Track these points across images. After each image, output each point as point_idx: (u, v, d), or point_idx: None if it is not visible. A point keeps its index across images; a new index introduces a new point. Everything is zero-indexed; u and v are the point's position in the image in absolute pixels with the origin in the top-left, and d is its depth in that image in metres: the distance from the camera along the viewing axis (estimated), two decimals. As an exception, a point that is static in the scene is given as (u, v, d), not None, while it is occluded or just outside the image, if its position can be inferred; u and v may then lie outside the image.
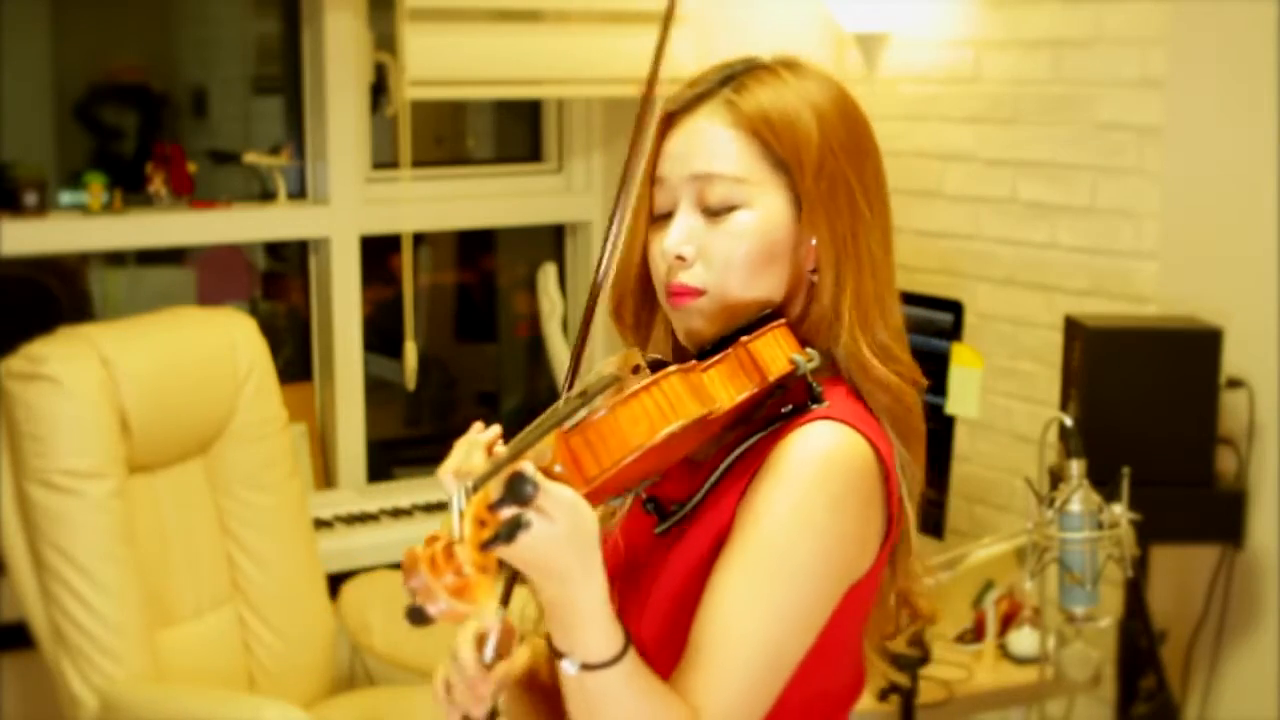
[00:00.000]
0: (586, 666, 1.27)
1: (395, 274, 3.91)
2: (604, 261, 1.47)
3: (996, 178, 3.79)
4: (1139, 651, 3.04)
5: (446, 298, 4.46)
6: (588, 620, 1.26)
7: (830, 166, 1.45)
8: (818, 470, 1.38)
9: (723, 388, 1.39)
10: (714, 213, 1.46)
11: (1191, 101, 3.34)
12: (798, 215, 1.46)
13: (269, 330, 3.38)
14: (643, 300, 1.55)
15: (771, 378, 1.41)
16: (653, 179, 1.50)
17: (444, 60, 3.71)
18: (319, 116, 3.79)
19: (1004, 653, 3.02)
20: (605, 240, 1.47)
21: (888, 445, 1.45)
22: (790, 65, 1.50)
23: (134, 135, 3.91)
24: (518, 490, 1.19)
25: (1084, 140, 3.56)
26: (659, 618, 1.42)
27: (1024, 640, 3.01)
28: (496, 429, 1.37)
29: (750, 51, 1.53)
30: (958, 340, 3.17)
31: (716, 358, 1.41)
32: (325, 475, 3.90)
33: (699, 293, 1.46)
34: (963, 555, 3.07)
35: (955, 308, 3.21)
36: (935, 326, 3.23)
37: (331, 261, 3.82)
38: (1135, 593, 2.95)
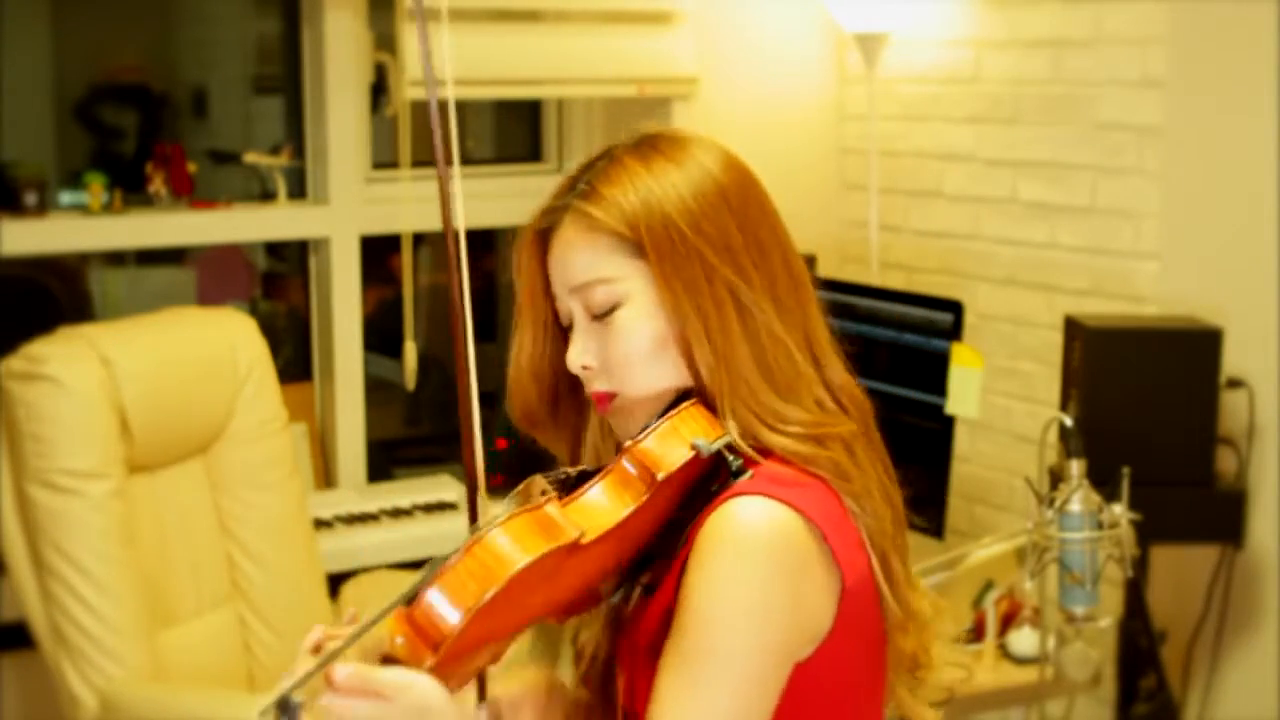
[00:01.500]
0: None
1: (395, 274, 3.91)
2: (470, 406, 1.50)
3: (996, 178, 3.79)
4: (1139, 651, 3.05)
5: (446, 298, 4.44)
6: None
7: (675, 240, 1.44)
8: (734, 553, 1.35)
9: (609, 504, 1.37)
10: (600, 317, 1.47)
11: (1191, 101, 3.34)
12: (663, 289, 1.46)
13: (269, 330, 3.38)
14: (557, 405, 1.57)
15: (663, 474, 1.38)
16: (549, 294, 1.52)
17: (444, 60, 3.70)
18: (319, 116, 3.79)
19: (1004, 653, 3.02)
20: (461, 372, 1.52)
21: (827, 498, 1.42)
22: (639, 148, 1.50)
23: (134, 135, 3.91)
24: (284, 711, 1.24)
25: (1084, 140, 3.56)
26: (644, 684, 1.42)
27: (1024, 640, 3.01)
28: (319, 631, 1.40)
29: (608, 144, 1.53)
30: (958, 340, 3.17)
31: (602, 473, 1.40)
32: (325, 475, 3.90)
33: (611, 396, 1.48)
34: (963, 555, 3.07)
35: (955, 308, 3.22)
36: (935, 326, 3.24)
37: (331, 261, 3.82)
38: (1135, 593, 2.95)
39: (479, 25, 3.86)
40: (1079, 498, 2.65)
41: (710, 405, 1.45)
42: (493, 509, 1.36)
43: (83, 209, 3.55)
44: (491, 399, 4.56)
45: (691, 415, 1.43)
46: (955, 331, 3.19)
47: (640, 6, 3.91)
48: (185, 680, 3.04)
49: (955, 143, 3.89)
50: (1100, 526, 2.64)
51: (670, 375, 1.47)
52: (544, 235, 1.52)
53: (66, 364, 2.94)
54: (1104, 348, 3.10)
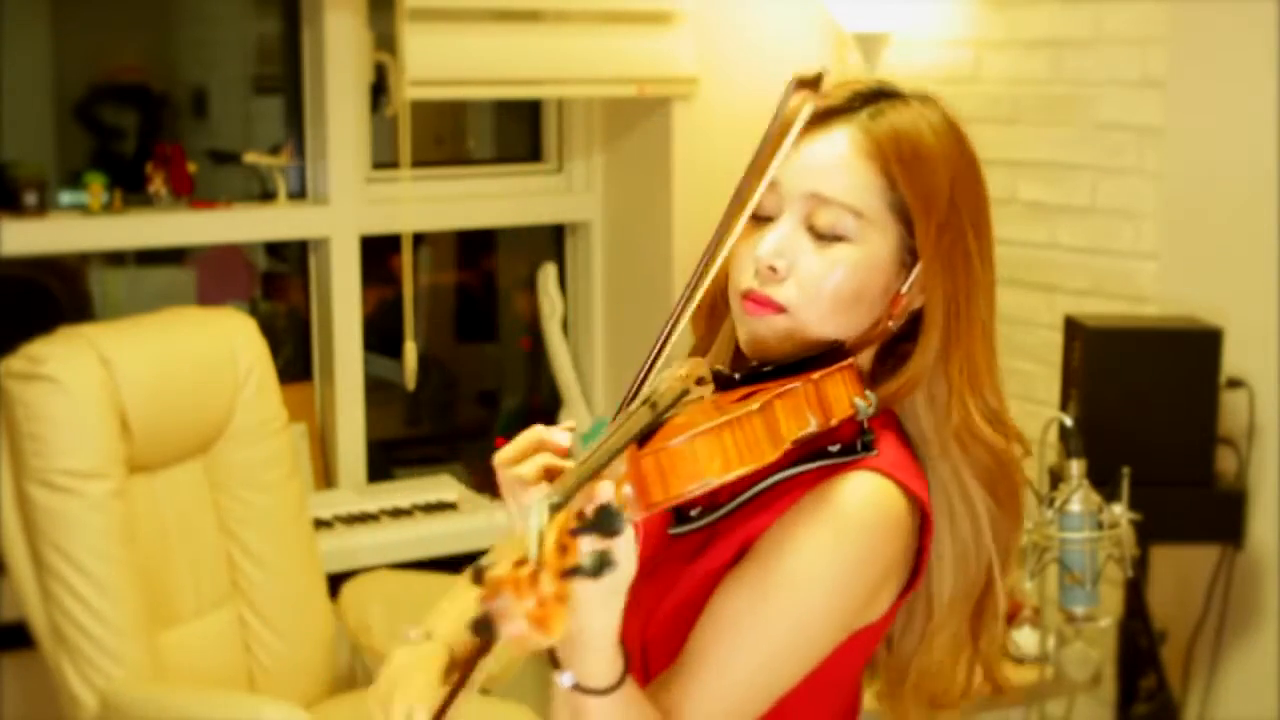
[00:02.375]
0: (580, 688, 1.26)
1: (395, 274, 3.91)
2: (705, 263, 1.39)
3: (996, 178, 3.77)
4: (1139, 651, 3.05)
5: (446, 298, 4.45)
6: (596, 649, 1.25)
7: (954, 223, 1.43)
8: (852, 524, 1.36)
9: (793, 420, 1.35)
10: (819, 235, 1.41)
11: (1191, 101, 3.34)
12: (902, 263, 1.43)
13: (269, 330, 3.38)
14: (714, 300, 1.50)
15: (834, 420, 1.37)
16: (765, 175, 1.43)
17: (444, 60, 3.71)
18: (319, 116, 3.79)
19: (1004, 653, 3.02)
20: (714, 246, 1.39)
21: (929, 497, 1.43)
22: (930, 107, 1.47)
23: (134, 135, 3.91)
24: (607, 524, 1.12)
25: (1084, 140, 3.56)
26: (667, 621, 1.42)
27: (1024, 640, 3.01)
28: (565, 438, 1.32)
29: (889, 77, 1.49)
30: (958, 340, 3.16)
31: (783, 388, 1.35)
32: (325, 475, 3.90)
33: (779, 309, 1.41)
34: (963, 555, 3.07)
35: (955, 308, 3.21)
36: (935, 326, 3.23)
37: (331, 261, 3.81)
38: (1135, 593, 2.95)
39: (479, 25, 3.86)
40: (1079, 498, 2.65)
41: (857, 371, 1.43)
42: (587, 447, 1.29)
43: (83, 209, 3.55)
44: (492, 398, 4.56)
45: (852, 375, 1.41)
46: (955, 331, 3.19)
47: (640, 6, 3.90)
48: (185, 680, 3.04)
49: (955, 143, 3.88)
50: (1100, 526, 2.64)
51: (844, 326, 1.43)
52: (807, 124, 1.40)
53: (66, 364, 2.94)
54: (1104, 348, 3.10)
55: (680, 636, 1.38)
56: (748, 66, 3.98)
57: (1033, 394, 3.70)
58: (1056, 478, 2.83)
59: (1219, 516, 3.15)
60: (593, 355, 4.23)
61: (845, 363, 1.41)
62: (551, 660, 1.27)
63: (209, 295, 3.93)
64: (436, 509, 3.72)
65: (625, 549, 1.19)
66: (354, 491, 3.83)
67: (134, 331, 3.16)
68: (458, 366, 4.48)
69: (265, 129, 4.06)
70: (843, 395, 1.39)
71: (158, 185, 3.61)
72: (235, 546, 3.21)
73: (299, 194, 3.86)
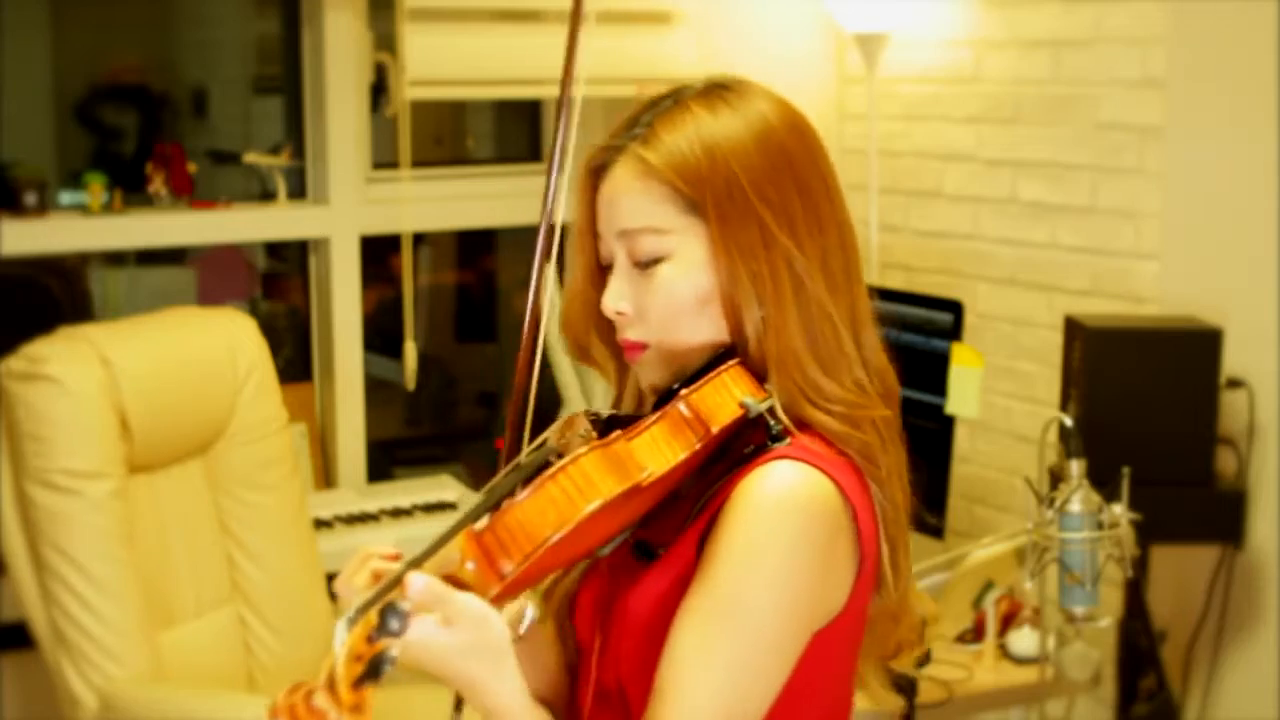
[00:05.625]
0: None
1: (395, 274, 3.91)
2: (539, 325, 1.49)
3: (996, 178, 3.79)
4: (1139, 651, 3.05)
5: (446, 298, 4.46)
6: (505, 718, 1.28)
7: (738, 202, 1.41)
8: (772, 513, 1.35)
9: (662, 449, 1.35)
10: (643, 266, 1.44)
11: (1191, 101, 3.34)
12: (718, 250, 1.43)
13: (269, 330, 3.38)
14: (605, 340, 1.54)
15: (715, 428, 1.37)
16: (594, 233, 1.49)
17: (444, 60, 3.71)
18: (319, 116, 3.79)
19: (1004, 653, 3.02)
20: (532, 295, 1.50)
21: (854, 478, 1.42)
22: (708, 96, 1.46)
23: (134, 135, 3.91)
24: (385, 623, 1.15)
25: (1084, 140, 3.56)
26: (632, 649, 1.42)
27: (1024, 640, 3.01)
28: (386, 550, 1.36)
29: (681, 81, 1.50)
30: (958, 340, 3.17)
31: (654, 416, 1.37)
32: (325, 475, 3.90)
33: (643, 346, 1.46)
34: (963, 555, 3.07)
35: (955, 308, 3.22)
36: (935, 326, 3.23)
37: (331, 261, 3.82)
38: (1135, 593, 2.95)
39: (479, 25, 3.86)
40: (1079, 498, 2.65)
41: (749, 367, 1.43)
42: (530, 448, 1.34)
43: (83, 209, 3.55)
44: (492, 399, 4.56)
45: (738, 374, 1.42)
46: (955, 331, 3.19)
47: (640, 6, 3.91)
48: (185, 680, 3.04)
49: (955, 143, 3.89)
50: (1100, 526, 2.64)
51: (708, 331, 1.44)
52: (597, 172, 1.48)
53: (66, 364, 2.94)
54: (1104, 348, 3.10)
55: (649, 664, 1.37)
56: (748, 66, 3.96)
57: (1033, 394, 3.70)
58: (1056, 478, 2.83)
59: (1219, 516, 3.15)
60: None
61: (725, 366, 1.42)
62: None
63: (209, 295, 3.93)
64: (436, 509, 3.72)
65: (466, 619, 1.22)
66: (354, 491, 3.84)
67: (134, 331, 3.15)
68: (458, 366, 4.48)
69: (265, 129, 4.06)
70: (725, 399, 1.39)
71: (158, 185, 3.62)
72: (235, 546, 3.21)
73: (299, 194, 3.86)
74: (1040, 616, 2.95)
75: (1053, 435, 2.91)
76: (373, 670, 1.13)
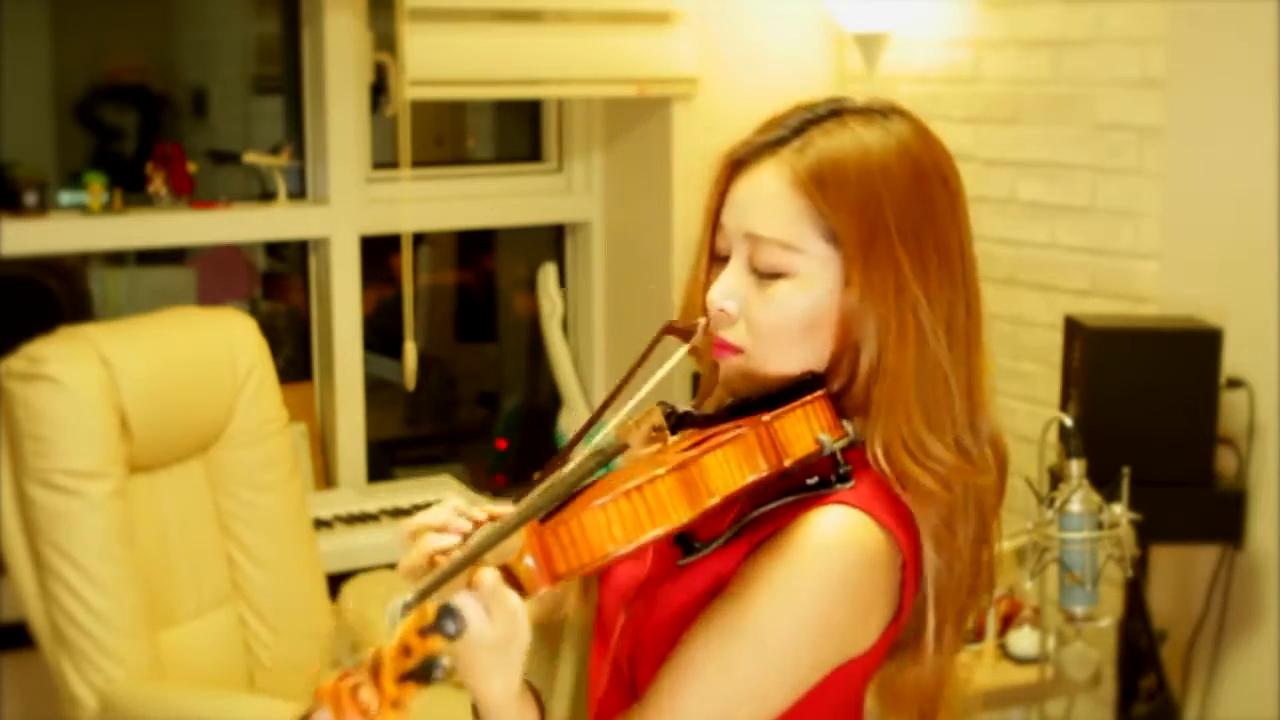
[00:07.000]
0: None
1: (395, 274, 3.91)
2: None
3: (996, 178, 3.79)
4: (1139, 651, 3.05)
5: (446, 298, 4.46)
6: (494, 712, 1.28)
7: (881, 243, 1.37)
8: (817, 557, 1.33)
9: (731, 470, 1.33)
10: (761, 274, 1.40)
11: (1191, 101, 3.34)
12: (849, 285, 1.39)
13: (269, 330, 3.38)
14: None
15: (788, 462, 1.35)
16: (716, 221, 1.45)
17: (444, 60, 3.71)
18: (319, 116, 3.79)
19: (1004, 653, 3.02)
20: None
21: (911, 534, 1.39)
22: (868, 120, 1.42)
23: (134, 135, 3.91)
24: (441, 625, 1.13)
25: (1084, 140, 3.56)
26: (651, 637, 1.42)
27: (1024, 640, 3.01)
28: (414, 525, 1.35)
29: (838, 95, 1.46)
30: (958, 340, 3.16)
31: (730, 432, 1.34)
32: (325, 475, 3.90)
33: (738, 350, 1.42)
34: (963, 555, 3.06)
35: (955, 308, 3.21)
36: (935, 326, 3.23)
37: (331, 261, 3.82)
38: (1135, 593, 2.95)
39: (479, 25, 3.86)
40: (1079, 498, 2.65)
41: (833, 401, 1.41)
42: (580, 454, 1.32)
43: (83, 209, 3.55)
44: (492, 399, 4.56)
45: (822, 407, 1.39)
46: (955, 331, 3.19)
47: (640, 6, 3.91)
48: (185, 680, 3.04)
49: (955, 143, 3.84)
50: (1100, 526, 2.64)
51: (808, 359, 1.41)
52: (736, 166, 1.43)
53: (66, 364, 2.94)
54: (1104, 348, 3.10)
55: (660, 657, 1.38)
56: (748, 66, 3.98)
57: (1033, 394, 3.70)
58: (1056, 478, 2.83)
59: (1219, 516, 3.15)
60: (592, 355, 4.23)
61: (812, 396, 1.39)
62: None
63: (209, 295, 3.93)
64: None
65: (502, 617, 1.21)
66: (354, 491, 3.84)
67: (134, 331, 3.15)
68: (458, 366, 4.48)
69: (265, 129, 4.06)
70: (804, 432, 1.37)
71: (158, 185, 3.61)
72: (235, 546, 3.21)
73: (299, 194, 3.86)
74: (1040, 616, 2.95)
75: (1053, 435, 2.91)
76: (423, 673, 1.11)
